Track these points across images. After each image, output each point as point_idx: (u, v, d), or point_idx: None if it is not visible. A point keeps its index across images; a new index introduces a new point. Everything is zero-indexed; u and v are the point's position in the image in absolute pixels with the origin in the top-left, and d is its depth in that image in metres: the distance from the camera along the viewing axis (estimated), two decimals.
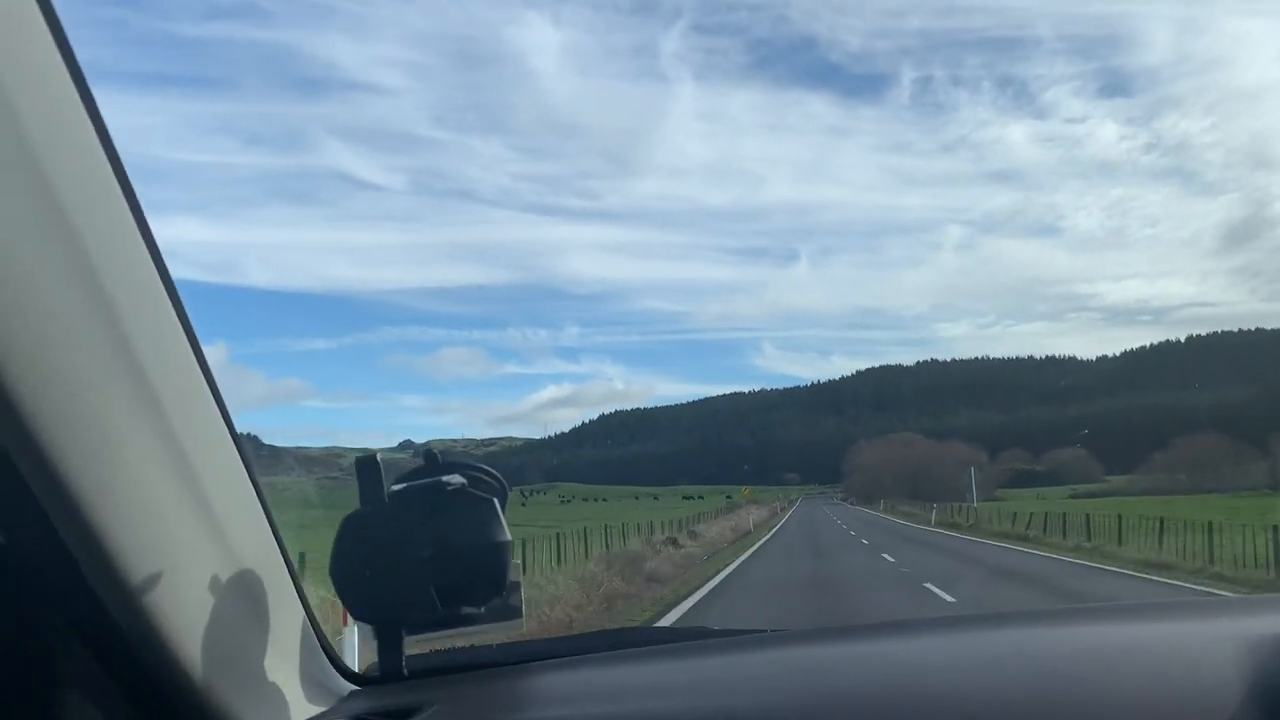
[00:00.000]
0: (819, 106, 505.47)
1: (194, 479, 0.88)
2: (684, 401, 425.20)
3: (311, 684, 1.13)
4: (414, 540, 1.04)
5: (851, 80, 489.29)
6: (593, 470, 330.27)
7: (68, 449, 0.71)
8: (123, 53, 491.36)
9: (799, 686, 1.07)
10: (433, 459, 1.12)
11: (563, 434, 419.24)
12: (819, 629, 1.51)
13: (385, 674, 1.14)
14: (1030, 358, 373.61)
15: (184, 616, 0.87)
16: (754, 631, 1.41)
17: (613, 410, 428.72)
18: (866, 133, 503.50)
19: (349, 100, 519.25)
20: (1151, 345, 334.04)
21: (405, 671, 1.15)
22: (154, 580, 0.83)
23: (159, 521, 0.84)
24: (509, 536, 1.09)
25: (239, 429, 0.99)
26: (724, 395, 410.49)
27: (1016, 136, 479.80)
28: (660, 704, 1.06)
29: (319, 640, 1.19)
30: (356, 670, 1.25)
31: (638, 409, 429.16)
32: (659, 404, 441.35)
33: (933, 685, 1.03)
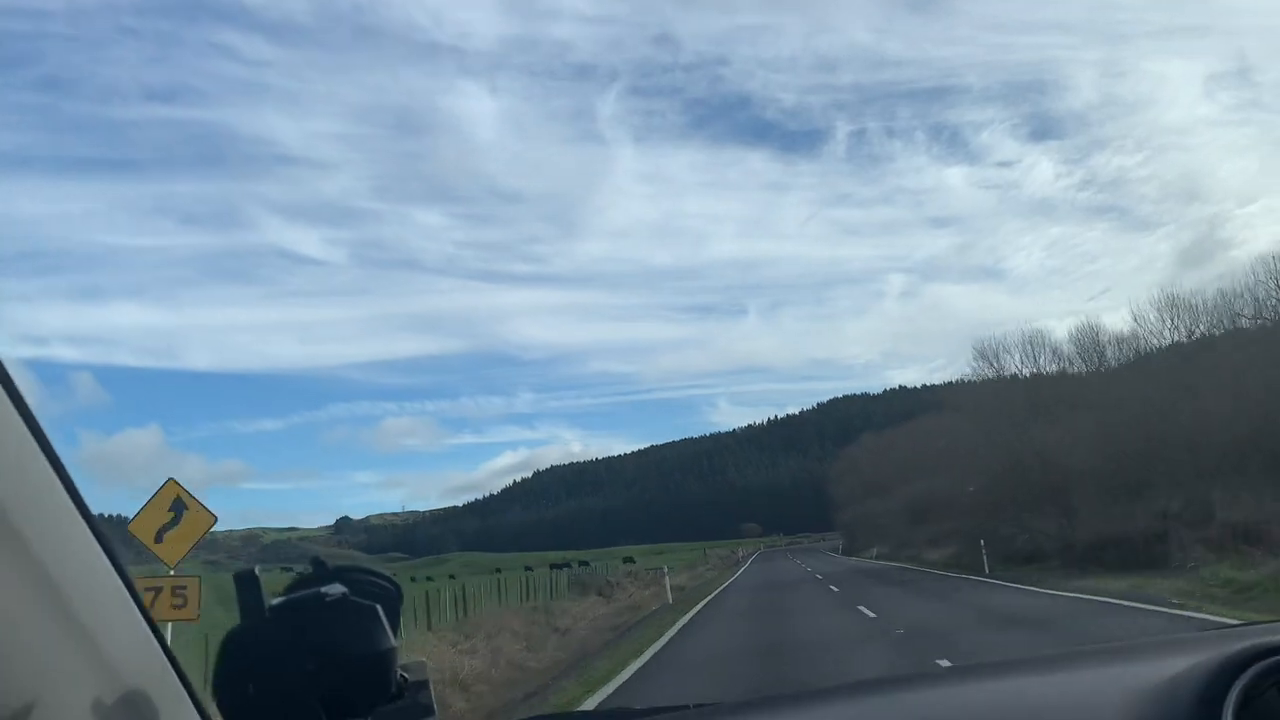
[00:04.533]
0: (758, 163, 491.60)
1: (61, 605, 0.83)
2: (626, 452, 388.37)
3: None
4: (296, 654, 1.03)
5: (788, 136, 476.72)
6: (521, 534, 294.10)
7: None
8: (54, 138, 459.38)
9: None
10: (320, 566, 1.12)
11: (491, 496, 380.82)
12: (751, 699, 1.49)
13: None
14: None
15: None
16: (677, 708, 1.35)
17: (547, 466, 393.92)
18: (806, 186, 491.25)
19: (286, 176, 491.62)
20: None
21: None
22: (26, 712, 0.78)
23: (21, 654, 0.79)
24: (394, 642, 1.08)
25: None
26: (671, 443, 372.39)
27: (953, 182, 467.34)
28: None
29: None
30: None
31: (575, 463, 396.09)
32: (598, 456, 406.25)
33: None
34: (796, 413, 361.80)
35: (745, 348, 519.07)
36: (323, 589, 1.06)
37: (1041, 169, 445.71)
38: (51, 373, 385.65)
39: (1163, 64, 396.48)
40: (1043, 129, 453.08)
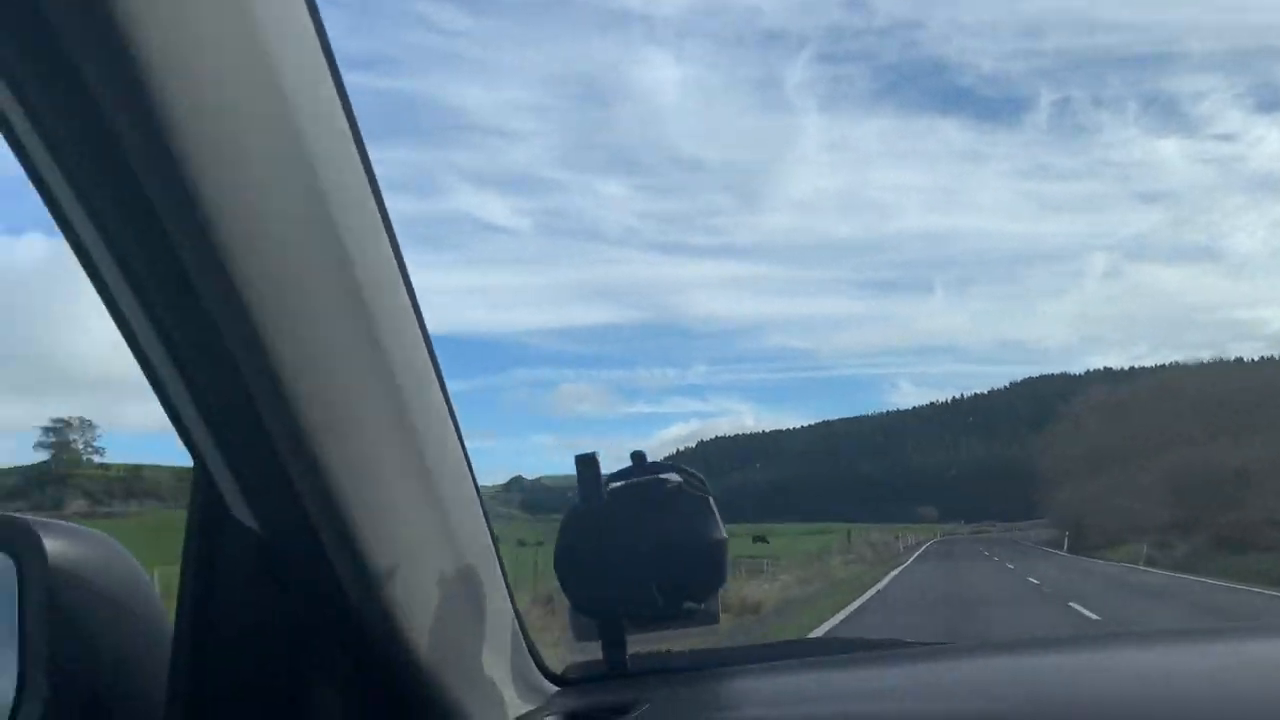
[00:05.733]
0: (951, 132, 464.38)
1: (430, 483, 0.94)
2: (795, 426, 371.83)
3: (521, 681, 1.16)
4: (634, 536, 1.08)
5: (984, 104, 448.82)
6: None
7: (331, 454, 0.79)
8: None
9: (1000, 696, 1.06)
10: (641, 459, 1.14)
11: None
12: (992, 642, 1.52)
13: (611, 667, 1.18)
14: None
15: (416, 609, 0.92)
16: (936, 644, 1.46)
17: (712, 438, 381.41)
18: (1002, 157, 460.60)
19: (478, 144, 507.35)
20: None
21: (628, 667, 1.18)
22: (392, 573, 0.88)
23: (400, 520, 0.90)
24: (726, 534, 1.11)
25: None
26: (845, 420, 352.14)
27: (1166, 155, 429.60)
28: (858, 708, 1.07)
29: (525, 639, 1.22)
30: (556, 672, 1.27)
31: (741, 435, 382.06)
32: (766, 428, 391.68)
33: (1092, 702, 1.00)
34: (984, 392, 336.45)
35: (929, 325, 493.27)
36: (661, 475, 1.11)
37: (1270, 142, 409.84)
38: None
39: None
40: (1272, 99, 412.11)
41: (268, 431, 0.76)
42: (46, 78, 0.59)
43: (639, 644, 1.20)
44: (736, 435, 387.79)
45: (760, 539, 69.93)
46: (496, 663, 1.09)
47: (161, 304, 0.71)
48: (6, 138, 0.64)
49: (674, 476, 1.11)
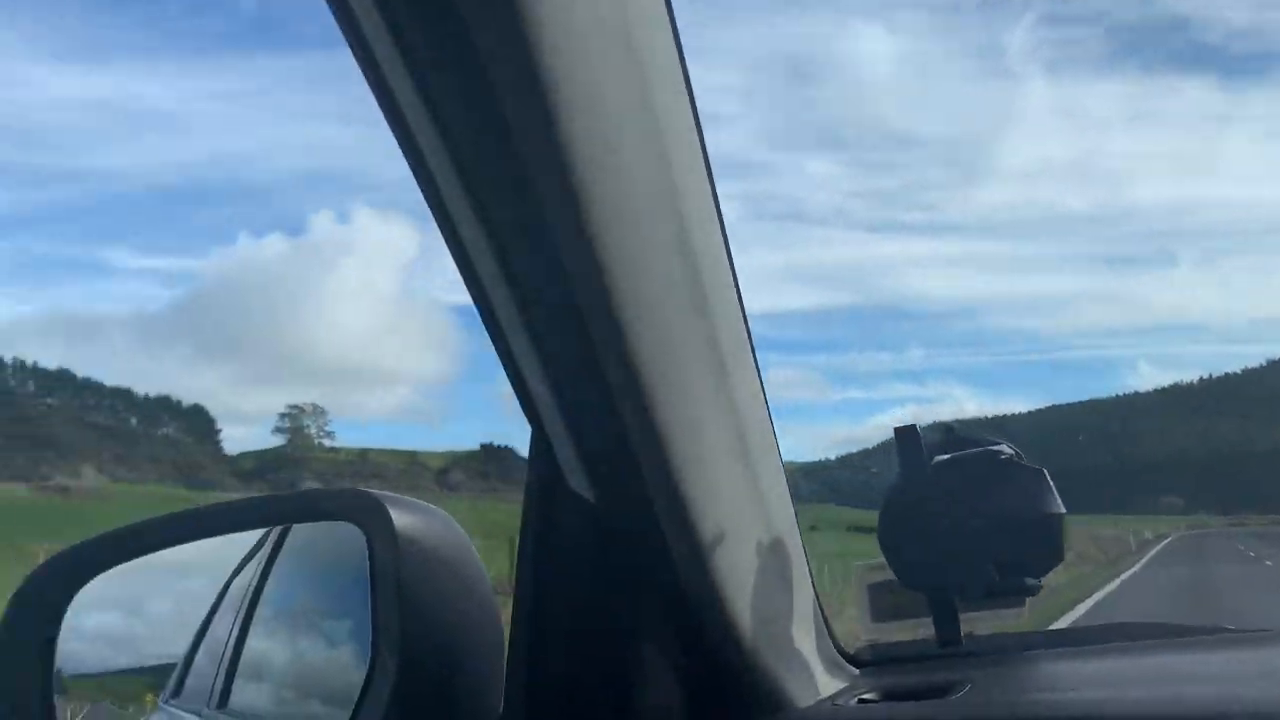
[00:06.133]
0: (1196, 92, 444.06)
1: (748, 455, 0.96)
2: (1020, 411, 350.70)
3: (827, 660, 1.15)
4: (964, 511, 1.05)
5: (1235, 61, 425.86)
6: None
7: (670, 425, 0.84)
8: None
9: None
10: (950, 432, 1.12)
11: (868, 450, 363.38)
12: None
13: (943, 642, 1.17)
14: None
15: (737, 582, 0.95)
16: (1260, 631, 1.34)
17: (929, 424, 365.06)
18: (1255, 118, 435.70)
19: None
20: None
21: (961, 643, 1.16)
22: (717, 545, 0.91)
23: (724, 492, 0.93)
24: (1064, 509, 1.06)
25: None
26: (1075, 404, 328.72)
27: None
28: (1192, 691, 1.00)
29: (823, 617, 1.20)
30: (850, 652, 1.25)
31: (961, 420, 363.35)
32: (988, 414, 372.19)
33: None
34: (1237, 372, 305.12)
35: (1172, 301, 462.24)
36: (993, 447, 1.08)
37: None
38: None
39: None
40: None
41: (614, 402, 0.81)
42: (451, 67, 0.65)
43: (924, 628, 1.19)
44: (956, 422, 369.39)
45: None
46: (804, 640, 1.08)
47: (527, 277, 0.77)
48: (395, 124, 0.72)
49: (1006, 448, 1.08)
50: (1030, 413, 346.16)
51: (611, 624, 0.97)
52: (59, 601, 1.09)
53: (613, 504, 0.92)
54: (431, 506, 0.99)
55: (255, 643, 1.44)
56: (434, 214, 0.79)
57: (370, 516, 0.95)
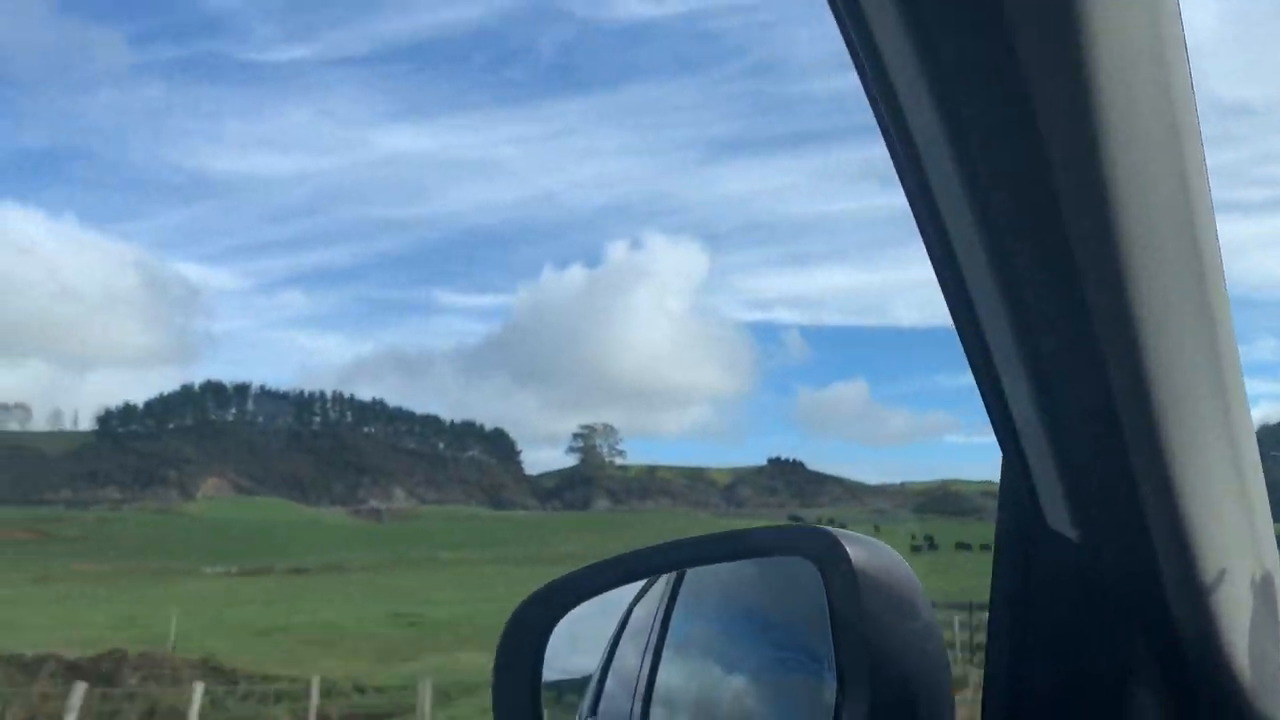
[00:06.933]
0: None
1: (1245, 481, 0.89)
2: None
3: None
4: None
5: None
6: None
7: (1174, 455, 0.77)
8: (760, 120, 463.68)
9: None
10: None
11: None
12: None
13: None
14: None
15: (1234, 621, 0.88)
16: None
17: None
18: None
19: None
20: None
21: None
22: (1218, 579, 0.85)
23: (1225, 519, 0.86)
24: None
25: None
26: None
27: None
28: None
29: None
30: None
31: None
32: None
33: None
34: None
35: None
36: None
37: None
38: (769, 333, 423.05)
39: None
40: None
41: (1121, 437, 0.75)
42: (993, 78, 0.61)
43: None
44: None
45: None
46: None
47: (1029, 281, 0.71)
48: (900, 134, 0.69)
49: None
50: None
51: (1098, 672, 0.92)
52: (546, 624, 1.22)
53: (1101, 544, 0.85)
54: (879, 542, 0.98)
55: (669, 672, 1.48)
56: (914, 207, 0.75)
57: (825, 552, 0.95)
